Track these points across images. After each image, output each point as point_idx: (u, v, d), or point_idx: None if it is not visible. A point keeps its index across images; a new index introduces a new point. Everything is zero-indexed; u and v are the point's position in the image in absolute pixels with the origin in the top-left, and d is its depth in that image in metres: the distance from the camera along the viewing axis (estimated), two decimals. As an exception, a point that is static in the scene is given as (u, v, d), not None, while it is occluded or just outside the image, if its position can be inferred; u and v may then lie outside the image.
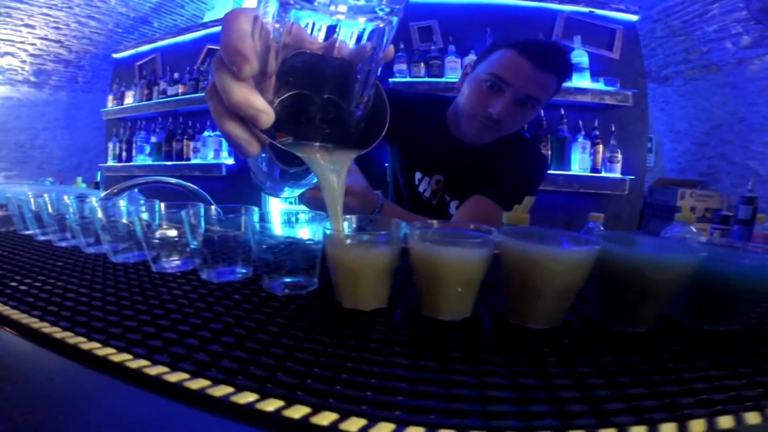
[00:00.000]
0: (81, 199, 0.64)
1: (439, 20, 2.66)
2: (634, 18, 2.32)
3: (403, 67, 2.60)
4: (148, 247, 0.54)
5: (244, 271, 0.53)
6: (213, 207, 0.53)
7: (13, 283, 0.46)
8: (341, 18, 0.29)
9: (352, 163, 0.45)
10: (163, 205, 0.55)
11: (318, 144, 0.38)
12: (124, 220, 0.57)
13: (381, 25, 0.30)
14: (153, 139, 3.10)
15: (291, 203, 3.05)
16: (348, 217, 0.46)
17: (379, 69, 0.35)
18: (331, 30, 0.31)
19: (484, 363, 0.33)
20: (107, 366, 0.30)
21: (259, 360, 0.31)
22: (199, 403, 0.26)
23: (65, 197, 0.65)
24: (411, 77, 2.57)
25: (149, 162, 3.10)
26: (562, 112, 2.23)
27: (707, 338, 0.39)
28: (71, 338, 0.33)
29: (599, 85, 2.22)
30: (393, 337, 0.37)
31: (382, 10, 0.29)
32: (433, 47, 2.62)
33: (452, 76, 2.36)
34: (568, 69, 0.95)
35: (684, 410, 0.27)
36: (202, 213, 0.51)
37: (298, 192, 0.55)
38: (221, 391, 0.27)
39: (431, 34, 2.70)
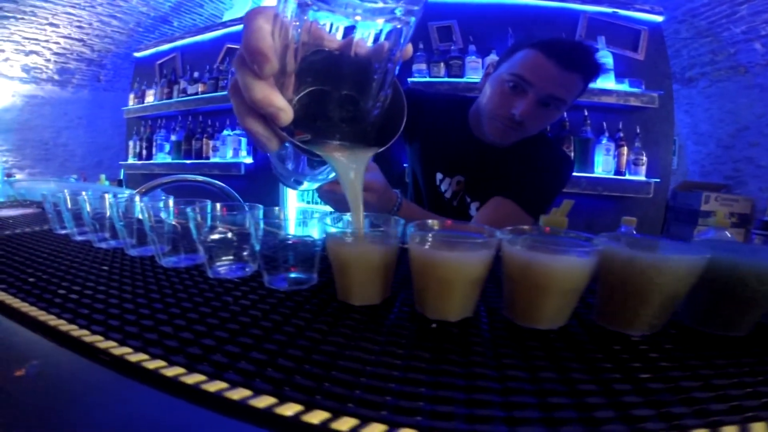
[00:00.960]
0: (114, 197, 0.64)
1: (459, 20, 2.64)
2: (659, 19, 2.28)
3: (423, 66, 2.59)
4: (204, 250, 0.52)
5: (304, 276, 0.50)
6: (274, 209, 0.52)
7: (62, 291, 0.44)
8: (358, 19, 0.29)
9: (371, 160, 0.45)
10: (218, 205, 0.54)
11: (336, 142, 0.38)
12: (172, 221, 0.55)
13: (398, 26, 0.30)
14: (173, 137, 3.13)
15: (308, 202, 3.06)
16: (367, 214, 0.46)
17: (397, 68, 0.35)
18: (350, 29, 0.31)
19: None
20: (182, 389, 0.28)
21: (279, 363, 0.31)
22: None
23: (106, 196, 0.63)
24: (430, 77, 2.56)
25: (169, 160, 3.13)
26: (586, 113, 2.20)
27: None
28: (131, 355, 0.32)
29: (624, 87, 2.18)
30: (416, 342, 0.36)
31: (399, 10, 0.29)
32: (453, 47, 2.60)
33: (473, 76, 2.34)
34: (594, 69, 0.91)
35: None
36: (261, 215, 0.50)
37: (316, 185, 0.55)
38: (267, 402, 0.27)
39: (451, 34, 2.68)
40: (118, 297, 0.43)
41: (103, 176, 2.91)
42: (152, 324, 0.37)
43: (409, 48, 0.35)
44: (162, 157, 3.15)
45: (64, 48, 3.36)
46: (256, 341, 0.34)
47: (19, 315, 0.38)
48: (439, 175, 1.10)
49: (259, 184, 2.82)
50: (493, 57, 2.37)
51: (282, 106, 0.32)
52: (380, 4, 0.29)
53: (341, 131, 0.38)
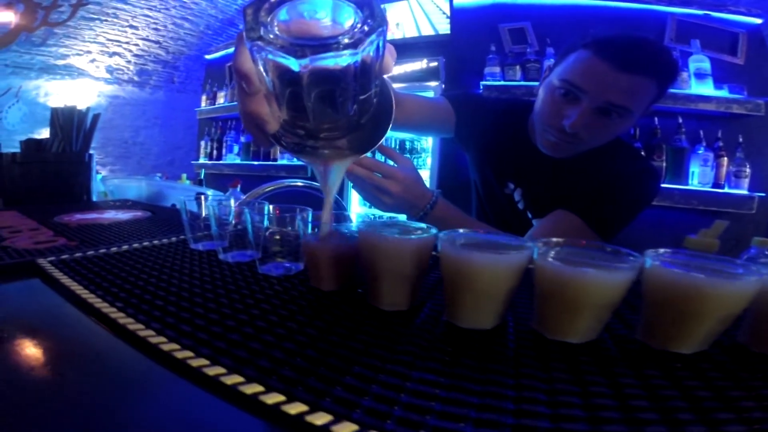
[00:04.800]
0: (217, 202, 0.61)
1: (533, 22, 2.55)
2: (758, 21, 2.10)
3: (496, 70, 2.52)
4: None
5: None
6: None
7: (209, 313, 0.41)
8: (307, 58, 0.31)
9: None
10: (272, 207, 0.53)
11: (320, 146, 0.41)
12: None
13: (351, 51, 0.31)
14: (242, 138, 3.22)
15: (370, 206, 3.06)
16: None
17: (372, 81, 0.36)
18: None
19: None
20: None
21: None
22: None
23: (239, 205, 0.59)
24: (505, 80, 2.48)
25: (238, 161, 3.21)
26: (680, 120, 2.05)
27: None
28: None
29: (723, 93, 2.02)
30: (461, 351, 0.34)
31: (346, 38, 0.30)
32: (528, 49, 2.51)
33: (555, 80, 2.24)
34: (667, 69, 0.77)
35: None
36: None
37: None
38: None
39: (525, 36, 2.59)
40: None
41: (184, 176, 3.02)
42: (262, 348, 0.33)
43: (389, 62, 0.38)
44: (231, 158, 3.24)
45: (142, 50, 3.53)
46: (347, 364, 0.30)
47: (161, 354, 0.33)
48: (511, 185, 1.00)
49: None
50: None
51: (266, 118, 0.37)
52: (327, 32, 0.32)
53: (323, 138, 0.41)
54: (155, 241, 0.67)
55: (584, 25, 2.35)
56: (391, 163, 0.77)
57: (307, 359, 0.31)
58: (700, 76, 2.07)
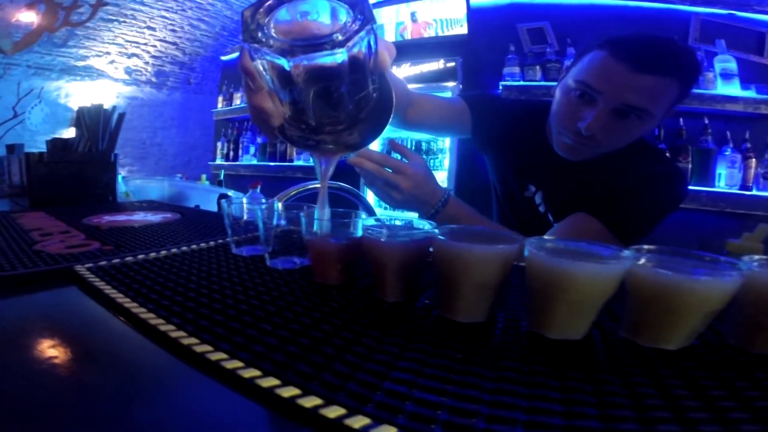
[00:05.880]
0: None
1: (551, 22, 2.52)
2: (785, 21, 2.05)
3: (516, 70, 2.49)
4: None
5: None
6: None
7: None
8: (297, 58, 0.33)
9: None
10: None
11: (321, 139, 0.44)
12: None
13: (347, 46, 0.32)
14: (258, 139, 3.23)
15: (385, 208, 3.04)
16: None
17: (368, 77, 0.38)
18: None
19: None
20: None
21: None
22: None
23: (283, 208, 0.56)
24: (525, 81, 2.46)
25: (254, 162, 3.23)
26: (706, 121, 2.01)
27: None
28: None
29: (751, 93, 1.98)
30: (501, 353, 0.33)
31: (338, 36, 0.32)
32: (548, 49, 2.49)
33: (576, 80, 2.21)
34: (688, 68, 0.74)
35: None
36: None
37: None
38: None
39: (544, 36, 2.56)
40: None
41: (203, 176, 3.04)
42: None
43: (385, 58, 0.39)
44: (248, 159, 3.25)
45: (160, 51, 3.56)
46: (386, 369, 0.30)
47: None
48: (531, 188, 0.97)
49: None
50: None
51: (270, 112, 0.40)
52: (319, 28, 0.34)
53: (324, 132, 0.43)
54: (193, 246, 0.65)
55: (605, 25, 2.32)
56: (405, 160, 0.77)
57: (323, 355, 0.32)
58: (726, 76, 2.03)
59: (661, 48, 0.73)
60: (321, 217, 0.49)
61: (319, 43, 0.32)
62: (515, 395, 0.27)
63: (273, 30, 0.33)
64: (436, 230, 0.40)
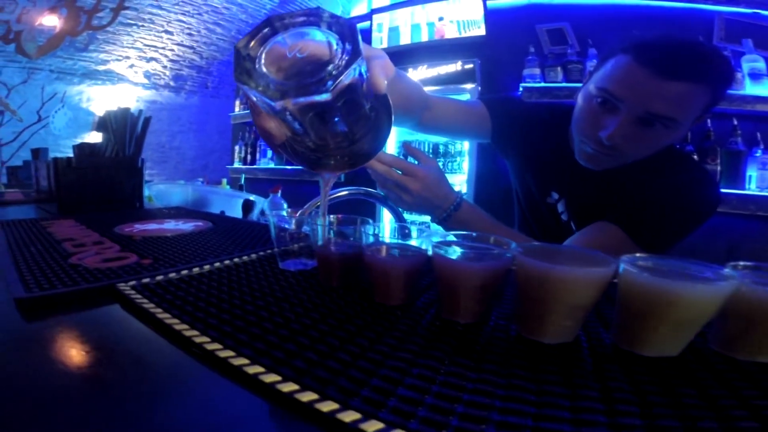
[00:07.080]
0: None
1: (572, 22, 2.49)
2: (812, 19, 1.99)
3: (536, 71, 2.46)
4: None
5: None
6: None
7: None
8: (290, 100, 0.33)
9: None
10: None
11: (323, 160, 0.45)
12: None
13: (330, 91, 0.32)
14: (275, 142, 3.24)
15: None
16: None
17: (362, 101, 0.39)
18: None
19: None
20: None
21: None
22: None
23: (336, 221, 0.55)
24: (545, 82, 2.42)
25: (272, 165, 3.23)
26: (735, 122, 1.96)
27: None
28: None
29: (781, 92, 1.93)
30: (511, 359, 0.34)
31: (332, 69, 0.32)
32: (569, 50, 2.45)
33: (600, 81, 2.17)
34: (719, 72, 0.69)
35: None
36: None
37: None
38: None
39: (564, 37, 2.53)
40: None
41: (224, 180, 3.06)
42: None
43: (379, 81, 0.40)
44: (265, 163, 3.26)
45: (177, 55, 3.60)
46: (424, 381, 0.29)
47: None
48: (554, 195, 0.94)
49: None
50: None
51: (272, 132, 0.39)
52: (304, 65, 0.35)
53: (325, 151, 0.44)
54: (235, 259, 0.62)
55: (626, 25, 2.28)
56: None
57: (339, 361, 0.33)
58: (754, 76, 1.98)
59: (690, 52, 0.69)
60: (323, 224, 0.51)
61: (306, 84, 0.32)
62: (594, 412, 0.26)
63: (264, 61, 0.34)
64: (518, 249, 0.38)
